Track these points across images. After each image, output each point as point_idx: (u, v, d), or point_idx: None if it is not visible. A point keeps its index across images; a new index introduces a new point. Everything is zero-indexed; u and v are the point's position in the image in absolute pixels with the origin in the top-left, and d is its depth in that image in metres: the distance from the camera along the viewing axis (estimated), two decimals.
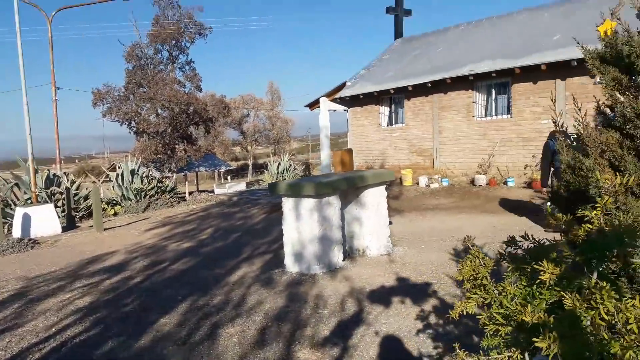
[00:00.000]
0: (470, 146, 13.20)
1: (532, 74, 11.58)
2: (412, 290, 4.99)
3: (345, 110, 18.71)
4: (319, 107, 18.52)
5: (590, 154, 2.31)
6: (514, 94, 12.16)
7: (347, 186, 6.14)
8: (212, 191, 24.98)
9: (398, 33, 19.40)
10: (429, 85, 13.72)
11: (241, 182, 31.58)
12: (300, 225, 5.95)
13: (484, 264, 1.98)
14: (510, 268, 2.00)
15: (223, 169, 36.49)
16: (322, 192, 5.75)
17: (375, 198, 6.59)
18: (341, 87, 17.48)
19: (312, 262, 5.87)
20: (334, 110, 18.52)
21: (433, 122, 14.18)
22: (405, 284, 5.24)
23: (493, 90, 12.88)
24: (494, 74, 12.14)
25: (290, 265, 6.11)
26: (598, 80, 2.51)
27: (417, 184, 13.52)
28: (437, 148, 14.07)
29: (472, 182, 12.59)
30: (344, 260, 6.17)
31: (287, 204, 6.07)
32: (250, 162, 53.25)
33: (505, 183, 11.88)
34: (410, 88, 14.24)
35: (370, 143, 16.21)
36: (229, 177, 46.11)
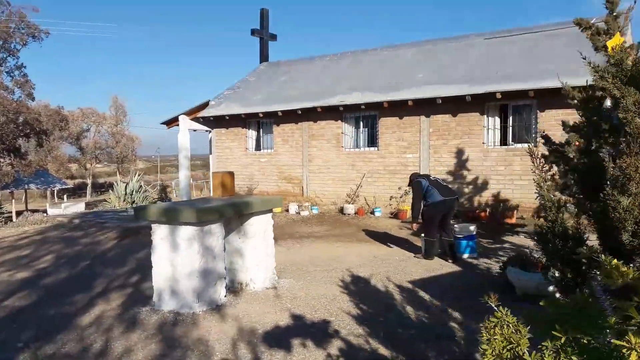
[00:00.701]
0: (339, 175, 13.29)
1: (398, 109, 12.11)
2: (311, 330, 4.45)
3: (207, 131, 17.77)
4: (177, 125, 17.35)
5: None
6: (381, 128, 12.58)
7: (233, 213, 5.45)
8: (45, 211, 21.84)
9: (263, 56, 19.18)
10: (300, 112, 13.61)
11: (79, 202, 28.30)
12: (177, 256, 5.07)
13: (520, 332, 1.53)
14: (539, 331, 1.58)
15: (57, 187, 32.32)
16: (205, 219, 4.98)
17: (261, 226, 5.97)
18: (204, 106, 16.56)
19: (191, 298, 5.01)
20: (194, 130, 17.49)
21: (303, 149, 14.05)
22: (301, 322, 4.68)
23: (361, 123, 13.21)
24: (363, 106, 12.45)
25: (162, 303, 5.17)
26: (609, 104, 2.31)
27: (287, 211, 13.15)
28: (307, 176, 13.93)
29: (341, 210, 12.61)
30: (226, 295, 5.41)
31: (159, 232, 5.16)
32: (89, 181, 48.21)
33: (372, 212, 12.10)
34: (280, 113, 13.98)
35: (237, 167, 15.49)
36: (64, 197, 41.08)
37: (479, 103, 11.05)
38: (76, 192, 48.69)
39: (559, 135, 10.31)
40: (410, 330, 4.35)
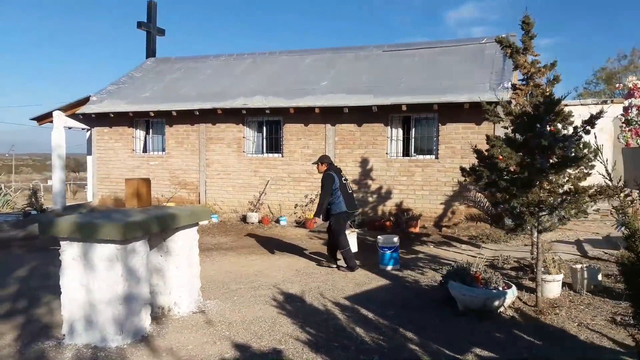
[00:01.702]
0: (240, 182, 12.65)
1: (304, 115, 11.88)
2: None
3: (84, 129, 15.93)
4: (50, 121, 15.32)
5: None
6: (286, 134, 12.25)
7: (159, 228, 4.70)
8: None
9: (150, 51, 17.77)
10: (197, 113, 12.73)
11: None
12: (94, 280, 4.24)
13: None
14: None
15: None
16: (130, 236, 4.22)
17: (187, 242, 5.27)
18: (84, 101, 14.80)
19: (111, 330, 4.21)
20: (70, 128, 15.58)
21: (200, 153, 13.15)
22: (250, 353, 4.14)
23: (264, 128, 12.74)
24: (267, 111, 12.01)
25: (75, 335, 4.29)
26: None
27: None
28: (204, 181, 13.05)
29: (244, 219, 12.00)
30: (150, 323, 4.64)
31: (71, 250, 4.28)
32: None
33: (277, 221, 11.68)
34: (174, 113, 12.95)
35: (122, 170, 14.04)
36: None
37: (384, 114, 11.25)
38: None
39: (458, 148, 10.92)
40: (373, 357, 4.05)
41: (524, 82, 7.17)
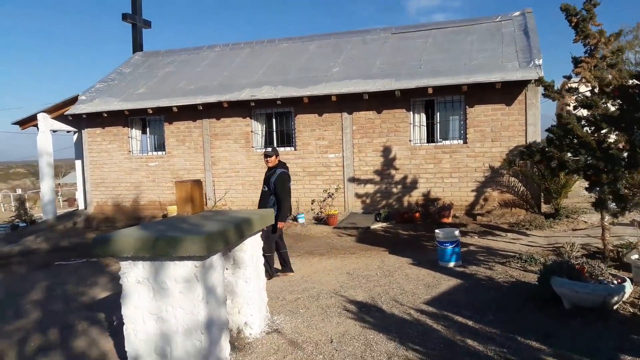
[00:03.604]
0: (250, 180, 11.81)
1: (318, 105, 11.12)
2: None
3: (70, 132, 14.84)
4: (35, 125, 14.21)
5: None
6: (298, 125, 11.46)
7: (237, 237, 3.92)
8: None
9: (137, 45, 16.71)
10: (200, 107, 11.83)
11: None
12: (167, 306, 3.45)
13: None
14: None
15: None
16: (213, 249, 3.44)
17: (255, 251, 4.50)
18: (71, 101, 13.72)
19: None
20: (54, 131, 14.49)
21: (204, 150, 12.25)
22: None
23: (274, 120, 11.91)
24: (278, 102, 11.19)
25: None
26: None
27: None
28: (211, 181, 12.16)
29: None
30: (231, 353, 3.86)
31: (136, 272, 3.48)
32: None
33: (295, 219, 10.91)
34: (175, 109, 12.01)
35: (119, 174, 13.03)
36: None
37: (405, 99, 10.58)
38: None
39: (488, 131, 10.33)
40: None
41: (587, 55, 6.61)
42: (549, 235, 8.33)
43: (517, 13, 12.32)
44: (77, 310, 5.56)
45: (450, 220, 9.98)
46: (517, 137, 9.96)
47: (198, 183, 4.74)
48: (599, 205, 5.25)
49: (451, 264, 6.53)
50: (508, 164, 9.72)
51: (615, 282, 4.63)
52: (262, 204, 6.51)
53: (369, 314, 4.90)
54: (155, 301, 3.46)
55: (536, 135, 9.87)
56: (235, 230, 3.79)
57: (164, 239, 3.32)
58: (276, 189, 6.41)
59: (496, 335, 4.17)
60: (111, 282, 6.97)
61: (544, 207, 10.10)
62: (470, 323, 4.50)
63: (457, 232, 6.62)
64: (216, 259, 3.65)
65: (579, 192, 11.97)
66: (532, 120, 9.84)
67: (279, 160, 6.74)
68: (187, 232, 3.41)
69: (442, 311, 4.86)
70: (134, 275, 3.47)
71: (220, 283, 3.71)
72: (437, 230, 6.75)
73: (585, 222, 9.09)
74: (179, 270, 3.41)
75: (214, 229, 3.56)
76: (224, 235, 3.57)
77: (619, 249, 6.35)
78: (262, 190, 6.65)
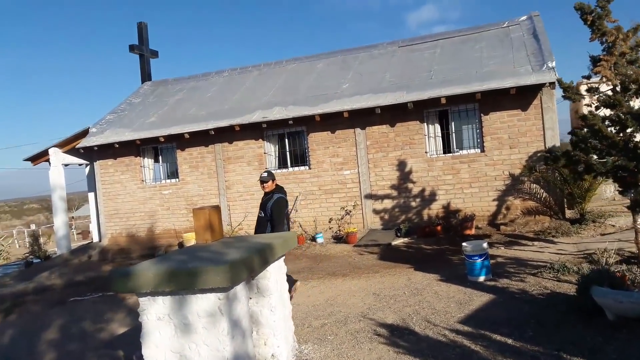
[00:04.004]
0: None
1: (330, 122, 10.99)
2: None
3: (82, 165, 14.86)
4: (47, 160, 14.26)
5: None
6: (311, 144, 11.32)
7: (261, 265, 3.73)
8: None
9: (145, 75, 16.81)
10: (212, 132, 11.76)
11: None
12: (190, 343, 3.26)
13: None
14: None
15: None
16: (238, 279, 3.25)
17: (279, 277, 4.30)
18: (82, 134, 13.76)
19: None
20: (66, 165, 14.52)
21: (218, 175, 12.15)
22: None
23: (286, 140, 11.79)
24: (290, 121, 11.09)
25: None
26: None
27: None
28: (227, 205, 12.03)
29: None
30: None
31: (156, 308, 3.30)
32: None
33: (314, 239, 10.71)
34: (187, 135, 11.96)
35: (133, 204, 12.96)
36: None
37: (418, 111, 10.41)
38: None
39: (505, 138, 10.09)
40: None
41: (605, 53, 6.39)
42: (578, 242, 8.02)
43: (524, 17, 12.17)
44: (95, 349, 5.39)
45: (473, 231, 9.70)
46: (535, 143, 9.71)
47: (216, 209, 4.57)
48: (636, 208, 4.98)
49: (481, 278, 6.26)
50: (528, 171, 9.48)
51: None
52: (259, 230, 6.23)
53: (401, 337, 4.65)
54: (177, 338, 3.27)
55: (555, 139, 9.62)
56: (258, 257, 3.60)
57: (184, 271, 3.14)
58: (272, 215, 6.15)
59: (539, 354, 3.91)
60: (129, 316, 6.80)
61: (568, 213, 9.79)
62: (509, 341, 4.24)
63: (485, 245, 6.36)
64: (240, 289, 3.46)
65: (601, 195, 11.64)
66: (550, 124, 9.59)
67: (276, 185, 6.52)
68: (208, 262, 3.24)
69: (479, 330, 4.60)
70: (153, 311, 3.29)
71: (246, 314, 3.51)
72: (464, 244, 6.49)
73: (613, 225, 8.76)
74: (201, 304, 3.22)
75: (236, 257, 3.38)
76: (247, 264, 3.39)
77: None
78: (259, 215, 6.40)
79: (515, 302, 5.37)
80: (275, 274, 4.19)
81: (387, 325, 5.02)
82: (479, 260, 6.26)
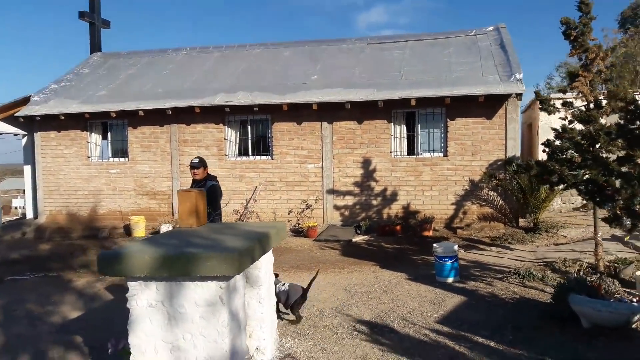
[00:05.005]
0: (223, 189, 11.19)
1: (297, 113, 10.76)
2: None
3: (19, 135, 13.74)
4: None
5: None
6: (276, 134, 11.04)
7: (260, 254, 3.51)
8: None
9: (95, 46, 15.77)
10: (169, 112, 11.19)
11: None
12: (185, 334, 2.99)
13: None
14: None
15: None
16: (242, 267, 3.02)
17: (269, 268, 4.08)
18: (23, 102, 12.70)
19: None
20: (0, 134, 13.40)
21: (172, 158, 11.59)
22: None
23: (249, 127, 11.43)
24: (256, 108, 10.75)
25: None
26: None
27: (159, 233, 10.57)
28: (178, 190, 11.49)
29: None
30: None
31: (148, 294, 3.01)
32: None
33: None
34: (141, 113, 11.31)
35: (76, 181, 12.12)
36: None
37: (387, 110, 10.41)
38: None
39: (469, 144, 10.30)
40: None
41: (583, 69, 6.62)
42: (534, 250, 8.30)
43: (491, 28, 12.50)
44: (49, 334, 4.91)
45: (431, 233, 9.83)
46: (497, 151, 9.98)
47: (202, 194, 4.27)
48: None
49: (450, 280, 6.30)
50: (488, 178, 9.71)
51: (634, 300, 4.54)
52: None
53: (382, 335, 4.56)
54: (170, 328, 2.98)
55: (515, 149, 9.93)
56: (259, 246, 3.37)
57: (184, 256, 2.86)
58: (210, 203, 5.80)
59: (525, 358, 3.94)
60: (80, 299, 6.30)
61: (522, 222, 10.14)
62: (492, 344, 4.25)
63: (456, 247, 6.42)
64: (239, 279, 3.22)
65: (550, 207, 12.19)
66: (512, 134, 9.89)
67: (208, 173, 6.19)
68: (209, 249, 2.97)
69: (459, 331, 4.59)
70: (145, 298, 2.98)
71: (242, 306, 3.28)
72: (435, 245, 6.52)
73: (565, 236, 9.16)
74: (200, 292, 2.95)
75: (238, 245, 3.13)
76: (251, 253, 3.15)
77: (615, 265, 6.35)
78: None
79: (486, 305, 5.43)
80: (265, 264, 3.97)
81: (365, 322, 4.91)
82: (449, 261, 6.30)
